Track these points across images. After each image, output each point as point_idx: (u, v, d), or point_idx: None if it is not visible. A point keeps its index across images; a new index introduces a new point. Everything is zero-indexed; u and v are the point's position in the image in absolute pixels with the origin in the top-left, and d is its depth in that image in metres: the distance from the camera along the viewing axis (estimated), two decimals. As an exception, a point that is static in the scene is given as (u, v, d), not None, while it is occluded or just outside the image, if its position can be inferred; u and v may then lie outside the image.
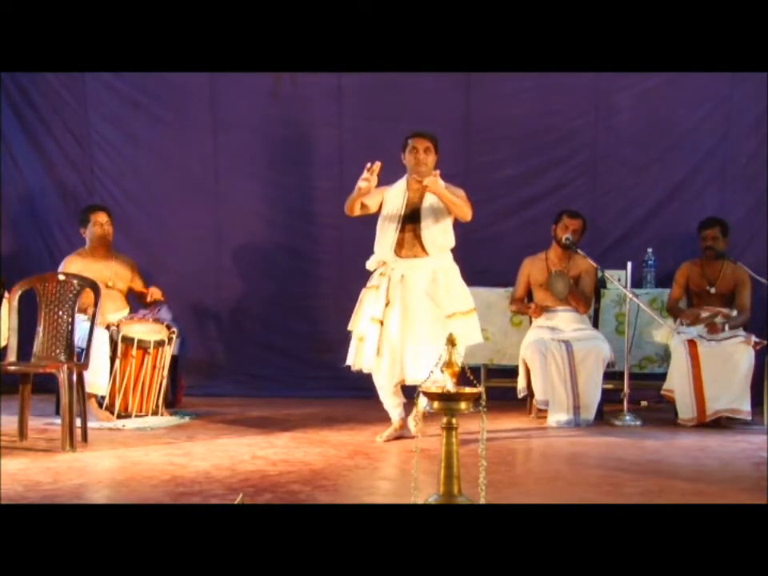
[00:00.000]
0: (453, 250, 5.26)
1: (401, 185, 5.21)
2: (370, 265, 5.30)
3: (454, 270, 5.22)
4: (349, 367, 5.19)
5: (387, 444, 5.04)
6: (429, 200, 5.12)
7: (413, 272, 5.11)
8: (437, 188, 4.96)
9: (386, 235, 5.16)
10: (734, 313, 5.97)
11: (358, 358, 5.14)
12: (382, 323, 5.05)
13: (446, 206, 5.07)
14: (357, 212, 5.16)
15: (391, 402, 5.18)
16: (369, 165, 4.89)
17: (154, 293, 6.09)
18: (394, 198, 5.18)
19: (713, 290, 6.06)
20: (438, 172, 4.96)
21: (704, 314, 5.95)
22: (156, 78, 6.90)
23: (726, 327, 5.82)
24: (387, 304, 5.07)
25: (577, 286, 6.04)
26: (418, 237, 5.12)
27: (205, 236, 7.21)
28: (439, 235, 5.14)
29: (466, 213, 5.11)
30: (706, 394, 5.67)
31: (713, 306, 6.03)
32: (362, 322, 5.13)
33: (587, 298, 6.11)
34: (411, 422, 5.13)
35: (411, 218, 5.14)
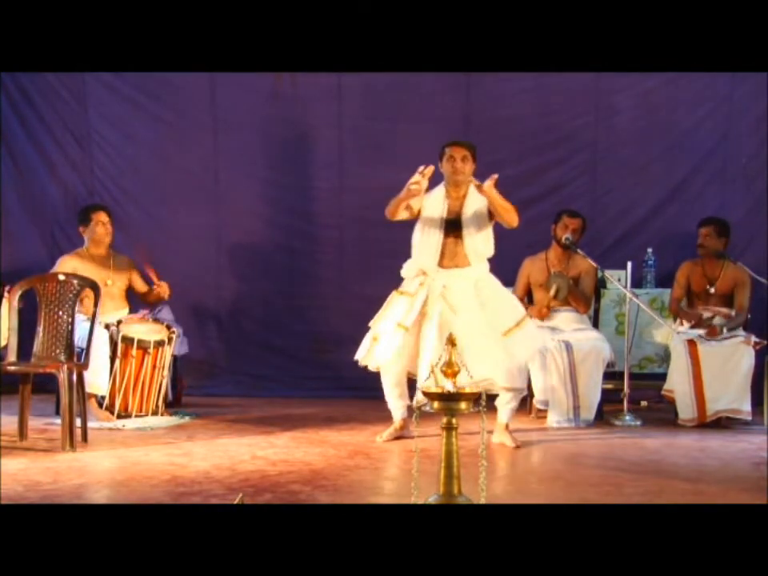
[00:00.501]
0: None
1: (440, 192, 5.13)
2: (406, 272, 5.17)
3: (495, 280, 5.16)
4: (356, 362, 5.16)
5: (387, 444, 5.04)
6: (471, 208, 5.07)
7: (455, 283, 5.02)
8: (492, 192, 4.87)
9: (428, 243, 5.06)
10: (733, 313, 5.98)
11: (369, 356, 5.08)
12: (407, 330, 4.97)
13: (497, 211, 4.97)
14: (399, 215, 5.06)
15: (397, 404, 5.16)
16: (421, 168, 4.83)
17: (163, 288, 6.05)
18: (433, 205, 5.10)
19: (712, 290, 6.07)
20: (495, 176, 4.84)
21: (706, 314, 5.95)
22: (156, 77, 6.90)
23: (725, 330, 5.83)
24: (424, 315, 4.99)
25: (577, 286, 6.05)
26: (460, 246, 5.05)
27: (205, 236, 7.21)
28: (481, 244, 5.07)
29: (514, 218, 5.01)
30: (707, 395, 5.67)
31: (712, 305, 6.03)
32: (385, 323, 5.06)
33: (587, 298, 6.11)
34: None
35: (453, 226, 5.05)
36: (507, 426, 5.13)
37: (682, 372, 5.73)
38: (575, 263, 6.10)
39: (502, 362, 4.92)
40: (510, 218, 5.00)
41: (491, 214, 5.06)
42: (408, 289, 5.10)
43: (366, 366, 5.13)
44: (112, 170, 7.23)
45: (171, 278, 6.23)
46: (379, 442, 5.07)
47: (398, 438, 5.13)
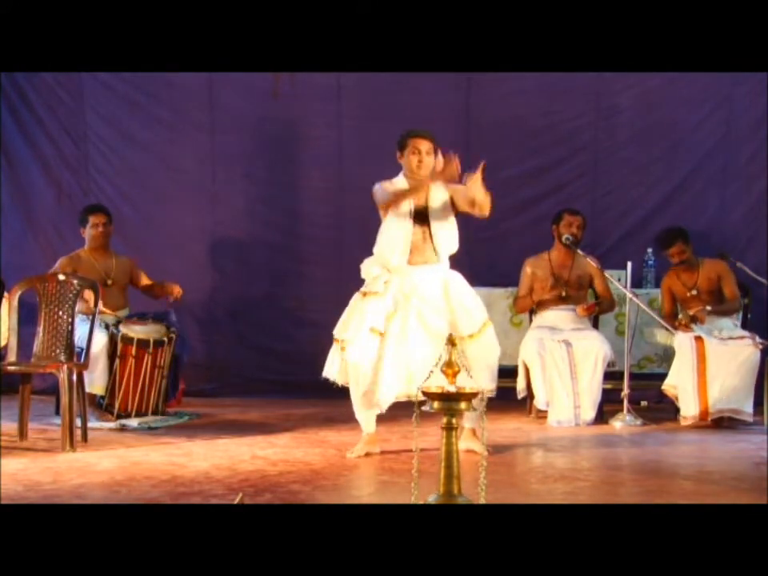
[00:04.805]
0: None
1: (402, 185, 4.79)
2: (367, 272, 4.79)
3: (463, 279, 4.81)
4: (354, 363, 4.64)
5: (387, 444, 5.02)
6: (436, 200, 4.77)
7: (426, 280, 4.68)
8: (477, 187, 4.50)
9: (396, 239, 4.71)
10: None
11: (341, 371, 4.69)
12: (382, 335, 4.57)
13: (477, 200, 4.55)
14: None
15: (369, 416, 4.73)
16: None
17: (174, 289, 6.04)
18: None
19: (694, 293, 6.07)
20: (479, 171, 4.49)
21: (691, 312, 5.94)
22: (154, 77, 6.89)
23: (708, 308, 5.85)
24: (394, 312, 4.61)
25: (589, 288, 6.14)
26: (428, 240, 4.73)
27: (202, 237, 7.19)
28: (450, 237, 4.77)
29: (489, 205, 4.63)
30: (710, 392, 5.65)
31: (700, 306, 6.01)
32: (353, 329, 4.64)
33: (611, 299, 6.16)
34: None
35: (420, 220, 4.73)
36: (475, 432, 4.75)
37: (687, 367, 5.70)
38: (579, 263, 6.10)
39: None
40: (487, 205, 4.61)
41: (455, 206, 4.79)
42: (375, 289, 4.68)
43: (334, 382, 4.73)
44: (108, 170, 7.21)
45: (167, 278, 6.21)
46: (350, 458, 4.67)
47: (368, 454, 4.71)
